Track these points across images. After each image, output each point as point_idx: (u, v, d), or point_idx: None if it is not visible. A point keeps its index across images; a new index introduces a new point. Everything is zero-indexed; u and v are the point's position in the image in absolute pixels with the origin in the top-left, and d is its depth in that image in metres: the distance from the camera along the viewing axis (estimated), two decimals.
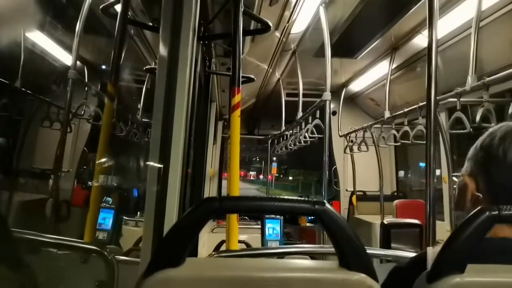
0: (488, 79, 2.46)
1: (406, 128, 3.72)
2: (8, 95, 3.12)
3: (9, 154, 3.80)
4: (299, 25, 3.39)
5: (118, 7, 1.88)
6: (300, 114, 4.50)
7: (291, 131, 5.23)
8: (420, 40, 3.51)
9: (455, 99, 2.75)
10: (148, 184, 1.12)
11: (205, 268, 0.78)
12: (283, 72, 4.90)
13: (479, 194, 0.87)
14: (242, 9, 1.71)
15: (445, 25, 3.07)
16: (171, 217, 1.11)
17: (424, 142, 1.37)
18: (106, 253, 1.43)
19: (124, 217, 3.68)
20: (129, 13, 2.13)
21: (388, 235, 1.53)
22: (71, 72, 2.99)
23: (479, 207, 0.74)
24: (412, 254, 1.21)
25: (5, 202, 3.14)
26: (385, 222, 1.60)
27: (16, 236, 1.31)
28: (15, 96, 3.19)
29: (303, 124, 4.42)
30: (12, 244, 1.10)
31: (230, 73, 1.70)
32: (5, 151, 3.80)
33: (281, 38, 3.52)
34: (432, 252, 0.79)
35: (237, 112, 1.64)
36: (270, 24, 1.97)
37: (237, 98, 1.64)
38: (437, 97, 1.61)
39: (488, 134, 0.91)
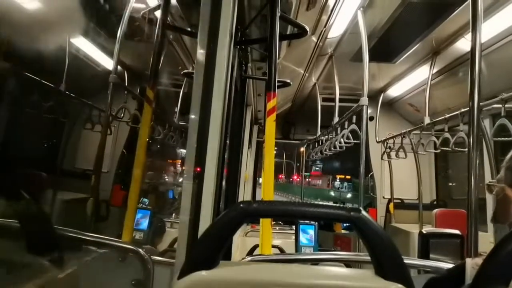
0: None
1: (447, 134, 3.60)
2: (53, 98, 3.26)
3: (54, 155, 3.97)
4: (336, 29, 3.36)
5: (158, 13, 1.93)
6: (336, 119, 4.45)
7: (326, 136, 5.18)
8: (463, 44, 3.39)
9: (500, 105, 2.64)
10: (184, 186, 1.14)
11: (238, 271, 0.78)
12: (319, 76, 4.86)
13: None
14: (279, 14, 1.71)
15: (490, 28, 2.95)
16: (206, 219, 1.12)
17: (466, 149, 1.32)
18: (142, 252, 1.46)
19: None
20: (168, 19, 2.18)
21: (427, 245, 1.48)
22: (112, 76, 3.10)
23: None
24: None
25: (49, 200, 3.27)
26: (424, 232, 1.55)
27: (58, 233, 1.36)
28: (60, 99, 3.33)
29: (339, 129, 4.37)
30: (54, 241, 1.14)
31: (266, 78, 1.71)
32: (51, 152, 3.97)
33: (318, 42, 3.50)
34: (470, 263, 0.76)
35: (273, 117, 1.64)
36: (307, 28, 1.97)
37: (272, 103, 1.64)
38: (481, 103, 1.55)
39: None
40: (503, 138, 2.65)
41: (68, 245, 1.42)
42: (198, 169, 1.13)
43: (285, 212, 0.79)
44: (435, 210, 4.45)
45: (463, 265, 0.80)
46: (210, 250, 0.73)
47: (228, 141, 1.91)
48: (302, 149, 7.17)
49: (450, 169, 5.47)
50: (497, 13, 2.81)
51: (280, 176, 22.97)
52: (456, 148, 3.45)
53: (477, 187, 1.39)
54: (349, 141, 4.12)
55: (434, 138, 3.95)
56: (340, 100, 4.55)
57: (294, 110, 6.43)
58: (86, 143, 4.14)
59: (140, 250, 1.47)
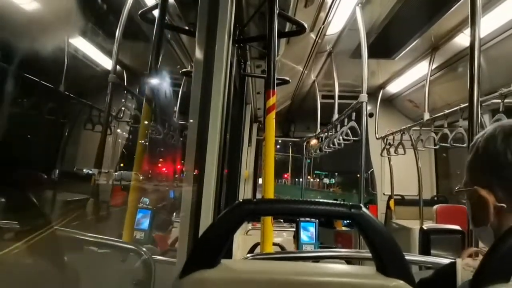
0: None
1: (446, 130, 3.59)
2: (53, 99, 3.25)
3: (54, 156, 3.96)
4: (335, 26, 3.35)
5: (156, 13, 1.92)
6: (335, 116, 4.45)
7: (326, 134, 5.18)
8: (462, 39, 3.39)
9: (499, 100, 2.64)
10: (184, 185, 1.14)
11: (240, 270, 0.78)
12: (318, 73, 4.86)
13: (502, 204, 0.81)
14: (277, 11, 1.71)
15: (489, 23, 2.95)
16: (207, 218, 1.12)
17: (465, 145, 1.32)
18: (143, 252, 1.46)
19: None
20: (166, 18, 2.18)
21: (428, 241, 1.48)
22: (111, 76, 3.09)
23: None
24: None
25: (49, 201, 3.26)
26: (425, 228, 1.55)
27: (59, 234, 1.36)
28: (59, 100, 3.32)
29: (338, 126, 4.37)
30: (53, 242, 1.14)
31: (265, 76, 1.70)
32: (51, 153, 3.97)
33: (317, 39, 3.49)
34: (461, 264, 0.76)
35: (272, 114, 1.64)
36: (305, 25, 1.96)
37: (272, 100, 1.64)
38: (480, 98, 1.55)
39: (485, 141, 0.85)
40: None
41: (69, 245, 1.42)
42: (198, 168, 1.13)
43: (286, 210, 0.79)
44: (436, 206, 4.45)
45: (452, 265, 0.80)
46: (211, 249, 0.73)
47: (228, 140, 1.91)
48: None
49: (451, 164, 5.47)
50: (496, 7, 2.80)
51: (286, 175, 18.24)
52: (455, 144, 3.44)
53: None
54: (348, 138, 4.12)
55: (433, 134, 3.95)
56: (340, 97, 4.55)
57: (294, 107, 6.43)
58: (85, 143, 4.14)
59: (141, 250, 1.47)
